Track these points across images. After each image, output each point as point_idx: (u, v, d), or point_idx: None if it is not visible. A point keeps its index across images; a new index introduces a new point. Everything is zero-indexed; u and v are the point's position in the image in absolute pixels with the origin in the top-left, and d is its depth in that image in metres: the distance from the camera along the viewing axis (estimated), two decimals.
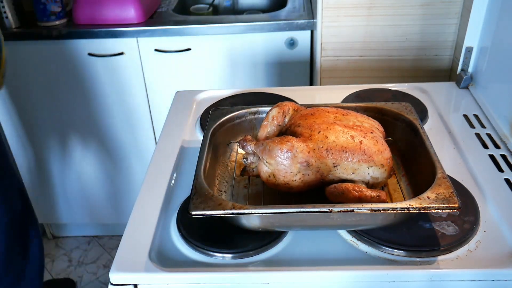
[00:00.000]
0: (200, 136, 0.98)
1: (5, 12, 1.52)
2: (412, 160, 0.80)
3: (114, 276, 0.68)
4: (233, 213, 0.64)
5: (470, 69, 1.12)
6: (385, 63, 1.42)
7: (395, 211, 0.63)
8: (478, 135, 0.95)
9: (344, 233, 0.73)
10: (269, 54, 1.55)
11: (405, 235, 0.70)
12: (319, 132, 0.72)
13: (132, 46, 1.55)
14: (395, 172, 0.80)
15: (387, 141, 0.76)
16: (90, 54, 1.55)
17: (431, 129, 0.97)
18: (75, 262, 1.91)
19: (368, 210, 0.63)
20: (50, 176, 1.82)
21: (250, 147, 0.75)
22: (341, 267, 0.67)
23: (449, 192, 0.64)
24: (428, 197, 0.63)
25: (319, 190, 0.73)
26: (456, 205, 0.62)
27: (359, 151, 0.70)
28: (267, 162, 0.72)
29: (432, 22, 1.34)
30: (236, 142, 0.86)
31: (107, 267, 1.88)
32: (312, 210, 0.63)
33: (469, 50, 1.10)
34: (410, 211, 0.62)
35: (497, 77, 1.01)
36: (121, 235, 0.75)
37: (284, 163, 0.70)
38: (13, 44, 1.52)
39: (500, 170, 0.84)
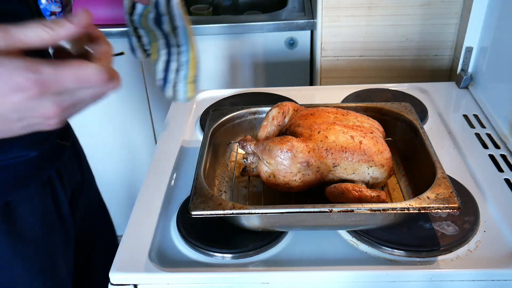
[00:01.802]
0: (200, 136, 0.98)
1: None
2: (412, 160, 0.80)
3: (114, 276, 0.68)
4: (233, 213, 0.64)
5: (470, 69, 1.12)
6: (385, 63, 1.42)
7: (395, 211, 0.63)
8: (478, 135, 0.95)
9: (344, 233, 0.73)
10: (269, 54, 1.55)
11: (405, 235, 0.70)
12: (319, 132, 0.72)
13: None
14: (395, 172, 0.80)
15: (387, 141, 0.76)
16: None
17: (431, 129, 0.97)
18: None
19: (368, 210, 0.63)
20: None
21: (250, 147, 0.75)
22: (341, 267, 0.67)
23: (449, 192, 0.64)
24: (428, 197, 0.63)
25: (319, 190, 0.73)
26: (456, 205, 0.62)
27: (359, 151, 0.70)
28: (267, 162, 0.72)
29: (432, 22, 1.34)
30: (236, 142, 0.86)
31: None
32: (312, 210, 0.63)
33: (469, 50, 1.10)
34: (410, 211, 0.62)
35: (497, 77, 1.01)
36: (121, 235, 0.75)
37: (284, 163, 0.70)
38: None
39: (500, 170, 0.84)
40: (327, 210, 0.63)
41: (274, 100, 1.08)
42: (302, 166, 0.70)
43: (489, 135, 0.94)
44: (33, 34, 0.44)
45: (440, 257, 0.68)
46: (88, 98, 0.47)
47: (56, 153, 0.77)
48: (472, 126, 0.98)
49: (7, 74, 0.42)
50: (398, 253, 0.69)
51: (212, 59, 1.57)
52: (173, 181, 0.86)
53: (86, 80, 0.44)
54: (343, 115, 0.76)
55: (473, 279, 0.66)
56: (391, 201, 0.75)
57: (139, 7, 0.82)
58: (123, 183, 1.84)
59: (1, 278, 0.72)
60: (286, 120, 0.80)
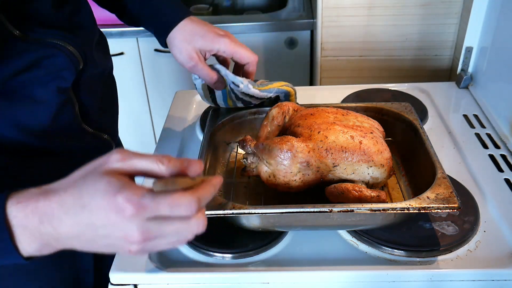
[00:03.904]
0: (200, 136, 0.98)
1: None
2: (412, 160, 0.80)
3: (114, 276, 0.68)
4: (233, 213, 0.64)
5: (470, 69, 1.12)
6: (385, 63, 1.42)
7: (395, 211, 0.63)
8: (478, 135, 0.95)
9: (344, 233, 0.73)
10: (269, 54, 1.55)
11: (405, 235, 0.70)
12: (319, 132, 0.72)
13: (132, 46, 1.55)
14: (395, 172, 0.80)
15: (387, 141, 0.76)
16: None
17: (431, 129, 0.97)
18: None
19: (368, 210, 0.63)
20: None
21: (250, 147, 0.75)
22: (341, 267, 0.67)
23: (449, 192, 0.64)
24: (428, 197, 0.63)
25: (319, 190, 0.73)
26: (456, 205, 0.62)
27: (359, 151, 0.70)
28: (267, 162, 0.72)
29: (432, 22, 1.34)
30: (236, 142, 0.86)
31: None
32: (312, 210, 0.63)
33: (469, 50, 1.10)
34: (410, 211, 0.62)
35: (497, 77, 1.01)
36: None
37: (284, 163, 0.70)
38: None
39: (500, 170, 0.84)
40: (327, 210, 0.63)
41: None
42: (302, 166, 0.70)
43: (489, 135, 0.94)
44: (147, 165, 0.48)
45: (440, 257, 0.68)
46: (171, 233, 0.47)
47: None
48: (472, 126, 0.98)
49: (111, 193, 0.45)
50: (398, 253, 0.69)
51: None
52: None
53: (177, 205, 0.46)
54: (343, 115, 0.76)
55: (473, 279, 0.66)
56: (391, 201, 0.75)
57: (219, 92, 0.87)
58: None
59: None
60: (286, 120, 0.80)
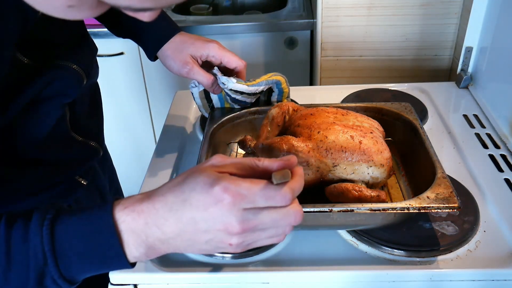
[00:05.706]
0: (200, 136, 0.98)
1: None
2: (412, 160, 0.80)
3: (114, 276, 0.68)
4: None
5: (470, 69, 1.12)
6: (385, 63, 1.42)
7: (395, 211, 0.63)
8: (478, 135, 0.95)
9: (344, 233, 0.73)
10: (269, 54, 1.55)
11: (405, 235, 0.70)
12: (318, 132, 0.72)
13: (132, 46, 1.55)
14: (395, 172, 0.80)
15: (387, 141, 0.76)
16: None
17: (431, 129, 0.97)
18: None
19: (368, 210, 0.63)
20: None
21: (250, 147, 0.75)
22: (341, 267, 0.68)
23: (449, 192, 0.64)
24: (428, 197, 0.63)
25: (319, 190, 0.73)
26: (456, 205, 0.62)
27: (359, 151, 0.70)
28: None
29: (432, 22, 1.34)
30: (236, 142, 0.86)
31: None
32: (312, 210, 0.63)
33: (469, 50, 1.10)
34: (410, 211, 0.62)
35: (497, 77, 1.01)
36: None
37: None
38: None
39: (500, 170, 0.84)
40: (327, 210, 0.63)
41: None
42: (301, 166, 0.70)
43: (489, 135, 0.94)
44: (244, 161, 0.50)
45: (440, 257, 0.68)
46: (269, 224, 0.48)
47: (68, 190, 0.76)
48: (472, 126, 0.98)
49: (209, 184, 0.47)
50: (398, 253, 0.69)
51: None
52: None
53: (272, 196, 0.47)
54: (342, 115, 0.76)
55: (473, 279, 0.66)
56: (391, 201, 0.75)
57: (216, 99, 0.90)
58: (122, 184, 1.84)
59: None
60: (286, 120, 0.80)
